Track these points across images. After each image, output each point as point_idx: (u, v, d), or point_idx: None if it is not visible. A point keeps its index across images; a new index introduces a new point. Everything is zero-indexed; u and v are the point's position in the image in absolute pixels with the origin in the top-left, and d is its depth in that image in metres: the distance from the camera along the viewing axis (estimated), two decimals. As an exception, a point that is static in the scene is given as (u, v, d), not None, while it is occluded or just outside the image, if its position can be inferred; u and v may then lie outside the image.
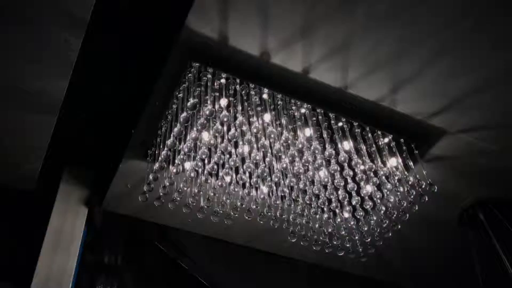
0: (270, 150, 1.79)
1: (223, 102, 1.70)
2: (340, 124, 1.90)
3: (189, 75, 1.67)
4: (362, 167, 1.88)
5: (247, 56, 1.72)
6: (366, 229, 2.01)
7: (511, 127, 1.97)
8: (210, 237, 2.40)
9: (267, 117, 1.77)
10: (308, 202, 1.94)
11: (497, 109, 1.92)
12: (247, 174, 1.87)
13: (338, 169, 1.86)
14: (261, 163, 1.81)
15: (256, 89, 1.80)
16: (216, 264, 2.39)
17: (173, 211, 1.95)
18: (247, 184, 1.93)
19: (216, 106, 1.69)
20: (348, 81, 1.81)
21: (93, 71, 1.89)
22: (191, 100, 1.55)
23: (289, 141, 1.77)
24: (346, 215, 2.05)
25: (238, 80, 1.75)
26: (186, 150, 1.68)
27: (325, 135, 1.86)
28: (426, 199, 1.86)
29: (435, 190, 1.87)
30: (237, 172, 1.88)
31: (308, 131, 1.84)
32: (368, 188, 1.97)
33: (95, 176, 2.24)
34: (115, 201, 2.22)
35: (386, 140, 1.98)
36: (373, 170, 1.89)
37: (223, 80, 1.74)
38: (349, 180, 1.89)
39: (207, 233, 2.40)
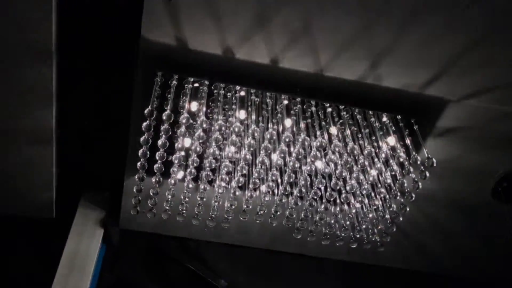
0: (261, 149, 1.75)
1: (196, 107, 1.69)
2: (328, 110, 1.82)
3: (158, 85, 1.67)
4: (358, 152, 1.77)
5: (211, 56, 1.70)
6: (371, 216, 1.88)
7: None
8: (230, 245, 2.38)
9: (243, 114, 1.74)
10: (309, 195, 1.85)
11: (497, 69, 1.74)
12: (241, 176, 1.83)
13: (337, 157, 1.77)
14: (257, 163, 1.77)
15: (231, 88, 1.77)
16: (238, 271, 2.36)
17: (188, 222, 1.97)
18: (250, 186, 1.88)
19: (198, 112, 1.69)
20: (322, 64, 1.73)
21: (74, 96, 1.96)
22: (166, 112, 1.56)
23: (274, 137, 1.72)
24: (358, 205, 1.95)
25: (207, 82, 1.74)
26: (176, 161, 1.69)
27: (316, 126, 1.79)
28: (427, 175, 1.71)
29: (434, 164, 1.71)
30: (231, 175, 1.85)
31: (292, 123, 1.77)
32: (373, 173, 1.86)
33: (111, 197, 2.31)
34: (129, 219, 2.28)
35: (385, 119, 1.86)
36: (372, 154, 1.78)
37: (196, 85, 1.74)
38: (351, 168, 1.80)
39: (226, 240, 2.39)
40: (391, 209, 1.85)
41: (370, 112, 1.84)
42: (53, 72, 1.71)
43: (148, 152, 1.63)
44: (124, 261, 2.25)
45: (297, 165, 1.76)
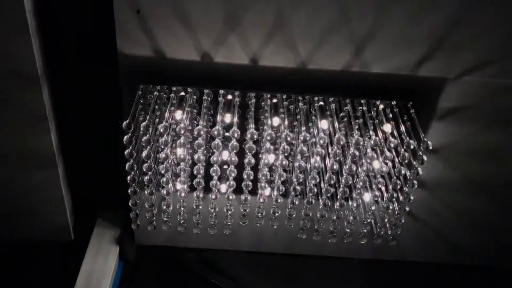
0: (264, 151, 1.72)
1: (179, 115, 1.68)
2: (318, 104, 1.76)
3: (139, 98, 1.68)
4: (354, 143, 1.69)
5: (189, 63, 1.69)
6: (374, 208, 1.78)
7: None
8: (247, 252, 2.35)
9: (226, 117, 1.71)
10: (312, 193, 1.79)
11: (493, 41, 1.63)
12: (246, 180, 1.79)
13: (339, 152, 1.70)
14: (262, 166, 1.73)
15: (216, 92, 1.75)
16: (258, 278, 2.31)
17: (202, 232, 1.96)
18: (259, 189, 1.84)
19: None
20: (303, 58, 1.68)
21: (72, 119, 2.01)
22: (143, 123, 1.56)
23: (272, 136, 1.67)
24: (367, 198, 1.86)
25: (189, 89, 1.73)
26: (163, 171, 1.68)
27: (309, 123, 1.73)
28: (425, 159, 1.61)
29: (430, 147, 1.61)
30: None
31: (281, 121, 1.72)
32: (376, 165, 1.78)
33: (125, 214, 2.34)
34: (143, 234, 2.30)
35: (382, 106, 1.78)
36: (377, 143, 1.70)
37: (183, 93, 1.74)
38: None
39: (242, 248, 2.35)
40: (394, 199, 1.74)
41: (362, 101, 1.75)
42: (44, 95, 1.76)
43: (135, 166, 1.63)
44: (141, 276, 2.26)
45: (297, 164, 1.70)
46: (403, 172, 1.64)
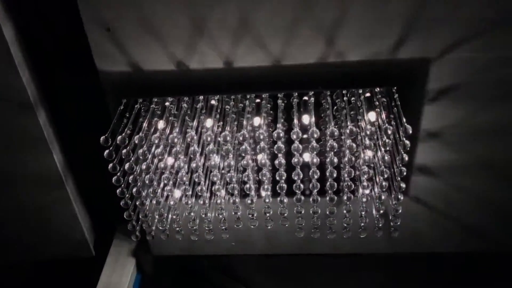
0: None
1: (162, 125, 1.71)
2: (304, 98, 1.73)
3: (119, 113, 1.73)
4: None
5: (166, 73, 1.73)
6: (365, 200, 1.73)
7: (497, 24, 1.55)
8: (261, 255, 2.34)
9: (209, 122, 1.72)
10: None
11: (472, 13, 1.54)
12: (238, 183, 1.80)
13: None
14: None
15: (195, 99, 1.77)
16: (274, 280, 2.30)
17: (215, 239, 1.99)
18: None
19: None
20: (275, 55, 1.67)
21: (73, 141, 2.09)
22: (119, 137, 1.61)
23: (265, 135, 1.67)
24: (367, 191, 1.80)
25: (170, 99, 1.76)
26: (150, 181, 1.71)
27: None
28: (408, 143, 1.54)
29: (409, 131, 1.54)
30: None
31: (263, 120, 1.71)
32: (369, 154, 1.72)
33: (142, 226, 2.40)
34: (159, 245, 2.34)
35: (368, 95, 1.72)
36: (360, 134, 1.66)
37: (167, 103, 1.77)
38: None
39: (256, 251, 2.34)
40: (385, 190, 1.68)
41: (344, 92, 1.71)
42: (40, 119, 1.86)
43: (122, 179, 1.67)
44: (159, 287, 2.31)
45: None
46: (387, 159, 1.58)
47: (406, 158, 1.58)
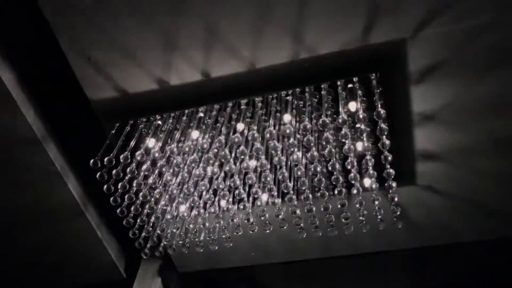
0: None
1: (152, 143, 1.78)
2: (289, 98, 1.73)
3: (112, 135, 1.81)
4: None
5: (151, 93, 1.80)
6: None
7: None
8: (283, 263, 2.32)
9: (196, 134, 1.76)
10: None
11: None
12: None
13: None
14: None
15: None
16: (298, 286, 2.26)
17: (237, 250, 2.02)
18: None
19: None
20: (248, 59, 1.69)
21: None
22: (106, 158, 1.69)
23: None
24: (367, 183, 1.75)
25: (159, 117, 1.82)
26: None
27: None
28: (385, 128, 1.49)
29: (383, 115, 1.49)
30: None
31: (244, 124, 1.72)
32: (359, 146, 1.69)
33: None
34: (182, 261, 2.40)
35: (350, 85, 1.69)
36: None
37: (159, 122, 1.84)
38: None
39: (278, 259, 2.33)
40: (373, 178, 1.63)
41: (323, 86, 1.69)
42: (51, 153, 1.99)
43: (119, 199, 1.74)
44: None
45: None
46: (366, 145, 1.54)
47: (387, 142, 1.53)
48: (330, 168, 1.61)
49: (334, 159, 1.60)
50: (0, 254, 2.40)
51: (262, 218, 1.77)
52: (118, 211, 1.78)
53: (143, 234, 1.87)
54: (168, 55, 1.70)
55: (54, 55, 1.76)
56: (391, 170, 1.59)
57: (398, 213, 1.70)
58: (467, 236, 2.09)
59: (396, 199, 1.67)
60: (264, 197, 1.85)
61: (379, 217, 1.72)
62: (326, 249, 2.26)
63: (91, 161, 1.67)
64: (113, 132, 1.81)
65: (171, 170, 1.72)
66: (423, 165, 1.92)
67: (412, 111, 1.76)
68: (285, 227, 1.78)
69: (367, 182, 1.75)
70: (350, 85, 1.69)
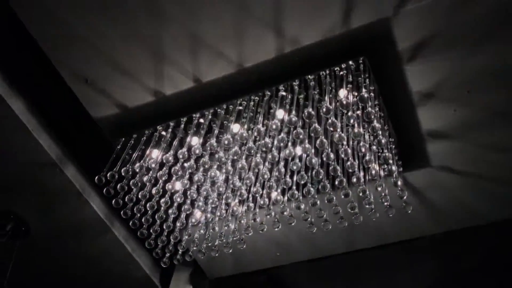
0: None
1: (156, 154, 1.82)
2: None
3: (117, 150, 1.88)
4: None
5: (149, 105, 1.85)
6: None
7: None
8: (310, 260, 2.29)
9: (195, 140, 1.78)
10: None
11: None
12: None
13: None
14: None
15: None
16: (331, 282, 2.22)
17: (264, 251, 2.03)
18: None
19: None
20: (235, 60, 1.70)
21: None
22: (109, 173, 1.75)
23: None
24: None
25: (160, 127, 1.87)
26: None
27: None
28: (372, 111, 1.45)
29: (365, 95, 1.44)
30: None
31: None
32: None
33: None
34: (211, 268, 2.42)
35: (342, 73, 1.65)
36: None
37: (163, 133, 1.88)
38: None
39: (302, 258, 2.30)
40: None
41: (310, 77, 1.67)
42: (69, 173, 2.08)
43: (129, 212, 1.79)
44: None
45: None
46: (356, 131, 1.50)
47: (377, 125, 1.49)
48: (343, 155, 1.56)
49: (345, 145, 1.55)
50: (34, 278, 2.51)
51: (285, 213, 1.76)
52: (130, 223, 1.83)
53: (172, 240, 1.90)
54: (158, 66, 1.75)
55: (57, 82, 1.85)
56: (388, 154, 1.54)
57: (405, 197, 1.64)
58: (494, 215, 1.98)
59: (399, 182, 1.61)
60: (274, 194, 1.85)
61: (386, 203, 1.65)
62: (350, 243, 2.21)
63: (96, 178, 1.74)
64: (118, 147, 1.88)
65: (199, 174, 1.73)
66: (433, 145, 1.84)
67: (410, 91, 1.71)
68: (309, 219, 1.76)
69: (374, 169, 1.71)
70: (342, 73, 1.66)
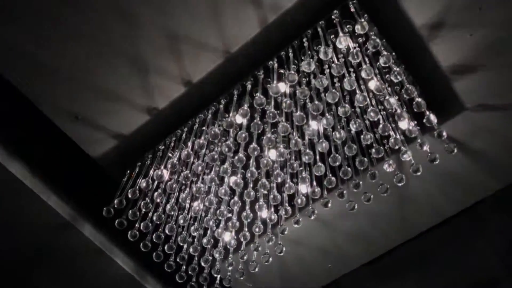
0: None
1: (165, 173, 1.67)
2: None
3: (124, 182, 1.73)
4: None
5: (145, 126, 1.73)
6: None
7: None
8: (370, 262, 2.02)
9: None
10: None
11: None
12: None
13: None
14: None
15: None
16: (392, 281, 1.93)
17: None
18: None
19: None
20: (220, 48, 1.58)
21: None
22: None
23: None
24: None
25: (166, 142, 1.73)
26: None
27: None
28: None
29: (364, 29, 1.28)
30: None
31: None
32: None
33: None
34: None
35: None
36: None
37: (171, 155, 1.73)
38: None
39: (359, 262, 2.03)
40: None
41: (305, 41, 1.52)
42: (85, 233, 1.93)
43: (138, 233, 1.63)
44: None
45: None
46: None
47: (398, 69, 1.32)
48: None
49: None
50: None
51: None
52: (141, 245, 1.64)
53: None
54: (144, 79, 1.64)
55: (55, 135, 1.76)
56: (420, 100, 1.37)
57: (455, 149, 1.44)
58: None
59: (444, 134, 1.42)
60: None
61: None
62: (405, 231, 1.94)
63: (104, 210, 1.59)
64: (124, 180, 1.73)
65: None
66: (461, 83, 1.64)
67: (415, 25, 1.53)
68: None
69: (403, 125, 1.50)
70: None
